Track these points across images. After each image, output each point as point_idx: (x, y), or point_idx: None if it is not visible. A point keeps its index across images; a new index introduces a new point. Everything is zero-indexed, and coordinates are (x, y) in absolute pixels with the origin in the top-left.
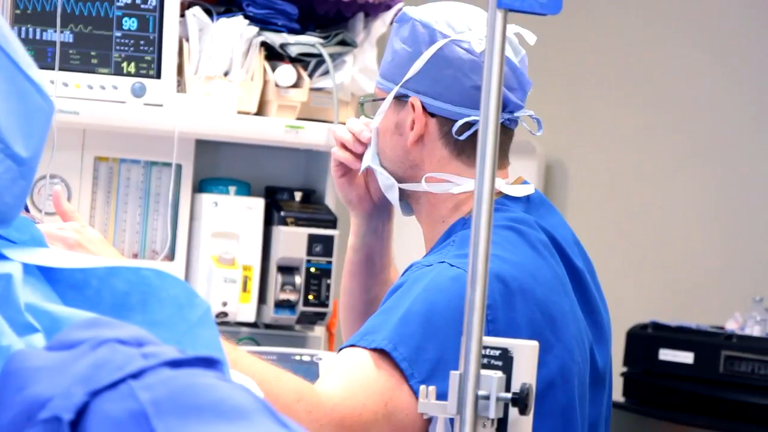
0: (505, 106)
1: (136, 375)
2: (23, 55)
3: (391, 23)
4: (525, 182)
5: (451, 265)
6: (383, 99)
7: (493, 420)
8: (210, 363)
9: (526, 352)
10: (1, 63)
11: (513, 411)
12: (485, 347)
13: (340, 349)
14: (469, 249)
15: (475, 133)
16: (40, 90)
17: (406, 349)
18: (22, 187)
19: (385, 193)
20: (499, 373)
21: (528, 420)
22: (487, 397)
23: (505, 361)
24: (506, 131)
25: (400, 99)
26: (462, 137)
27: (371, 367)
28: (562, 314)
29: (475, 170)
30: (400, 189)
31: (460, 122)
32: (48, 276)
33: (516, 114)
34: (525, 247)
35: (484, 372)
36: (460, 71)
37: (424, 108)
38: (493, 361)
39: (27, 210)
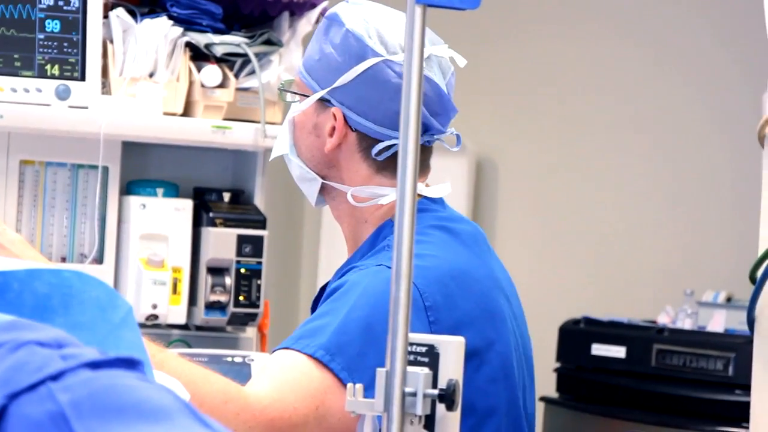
0: (427, 129)
1: (55, 377)
2: None
3: (317, 22)
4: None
5: (389, 267)
6: (303, 94)
7: (420, 417)
8: (131, 364)
9: (452, 348)
10: None
11: (440, 407)
12: (411, 344)
13: (273, 351)
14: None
15: (396, 152)
16: None
17: (344, 358)
18: None
19: (299, 184)
20: (426, 370)
21: (455, 416)
22: (414, 394)
23: (431, 357)
24: (426, 148)
25: (323, 102)
26: (380, 158)
27: (304, 370)
28: (500, 310)
29: (397, 179)
30: (312, 182)
31: (380, 146)
32: None
33: (437, 137)
34: (458, 245)
35: (410, 369)
36: (387, 94)
37: (345, 120)
38: (419, 358)
39: None
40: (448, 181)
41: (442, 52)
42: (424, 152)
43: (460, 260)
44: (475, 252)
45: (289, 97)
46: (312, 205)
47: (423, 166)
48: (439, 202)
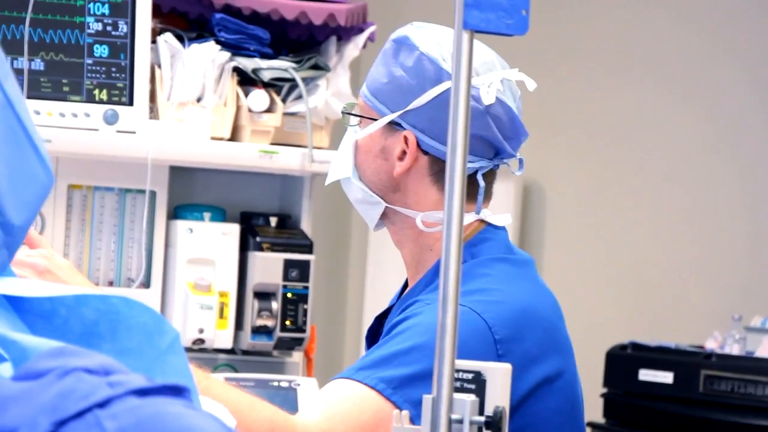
0: (498, 153)
1: (102, 404)
2: (31, 122)
3: (364, 46)
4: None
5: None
6: (370, 117)
7: None
8: (178, 391)
9: (499, 375)
10: (12, 128)
11: None
12: (458, 370)
13: (331, 380)
14: (441, 274)
15: (469, 176)
16: (43, 162)
17: (406, 391)
18: (4, 258)
19: (358, 207)
20: (473, 397)
21: None
22: (460, 421)
23: (478, 384)
24: (493, 172)
25: (392, 125)
26: None
27: (359, 402)
28: (565, 340)
29: (444, 200)
30: (375, 206)
31: None
32: (16, 305)
33: (505, 160)
34: (522, 278)
35: (457, 395)
36: None
37: (417, 144)
38: (466, 385)
39: None
40: (510, 204)
41: (512, 75)
42: (491, 177)
43: (525, 294)
44: (537, 283)
45: (353, 120)
46: (371, 228)
47: (489, 191)
48: (502, 230)
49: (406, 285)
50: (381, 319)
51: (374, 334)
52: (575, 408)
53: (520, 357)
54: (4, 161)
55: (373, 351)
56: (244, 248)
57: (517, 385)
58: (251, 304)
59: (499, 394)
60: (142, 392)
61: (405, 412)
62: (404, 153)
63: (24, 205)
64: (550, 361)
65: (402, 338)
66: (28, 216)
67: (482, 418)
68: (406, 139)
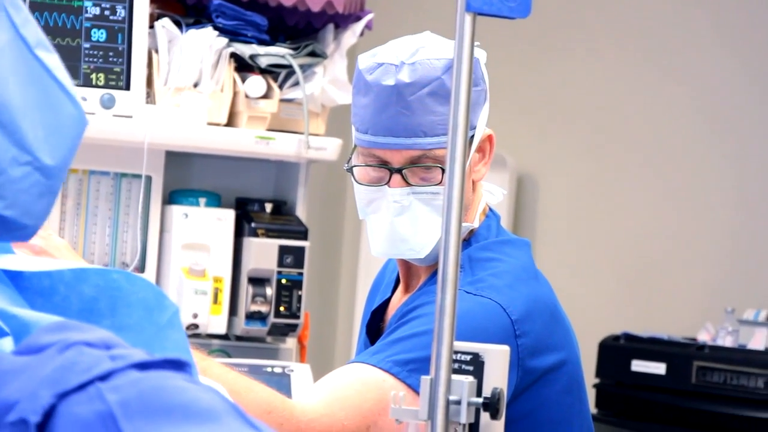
0: None
1: (103, 377)
2: (57, 63)
3: (362, 34)
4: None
5: (467, 293)
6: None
7: (464, 425)
8: (179, 365)
9: (497, 357)
10: (37, 73)
11: (485, 416)
12: (456, 352)
13: (347, 364)
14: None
15: None
16: (73, 100)
17: (420, 374)
18: (49, 202)
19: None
20: (470, 378)
21: (500, 425)
22: (458, 402)
23: (476, 365)
24: None
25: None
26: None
27: (362, 387)
28: (568, 322)
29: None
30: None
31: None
32: (16, 284)
33: None
34: (527, 261)
35: (455, 377)
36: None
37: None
38: (464, 366)
39: None
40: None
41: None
42: None
43: (532, 278)
44: (536, 267)
45: (434, 178)
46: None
47: None
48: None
49: (398, 280)
50: (375, 313)
51: (369, 329)
52: (582, 389)
53: (535, 339)
54: (34, 107)
55: (386, 336)
56: (239, 234)
57: (532, 367)
58: (245, 290)
59: (497, 376)
60: (144, 366)
61: (403, 393)
62: (484, 155)
63: (59, 147)
64: (560, 344)
65: (416, 323)
66: (65, 156)
67: (480, 400)
68: (491, 138)
